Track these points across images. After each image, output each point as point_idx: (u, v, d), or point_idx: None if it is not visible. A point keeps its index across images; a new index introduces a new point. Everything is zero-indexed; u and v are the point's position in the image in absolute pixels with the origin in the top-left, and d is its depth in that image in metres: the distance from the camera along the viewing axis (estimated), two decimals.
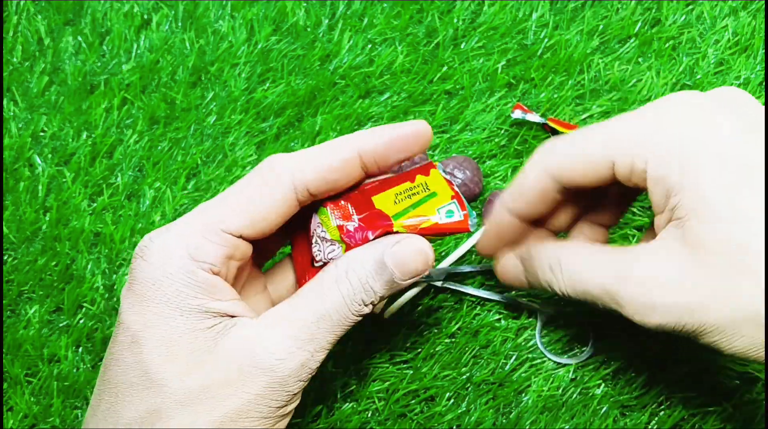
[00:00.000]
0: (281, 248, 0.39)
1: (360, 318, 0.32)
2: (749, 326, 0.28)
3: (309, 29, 0.53)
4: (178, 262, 0.30)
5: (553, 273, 0.35)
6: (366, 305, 0.31)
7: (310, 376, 0.31)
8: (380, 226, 0.32)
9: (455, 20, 0.53)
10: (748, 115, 0.31)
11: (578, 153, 0.33)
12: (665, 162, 0.30)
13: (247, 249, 0.32)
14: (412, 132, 0.32)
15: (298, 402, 0.32)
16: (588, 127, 0.34)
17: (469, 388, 0.44)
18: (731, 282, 0.28)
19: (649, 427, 0.44)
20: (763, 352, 0.29)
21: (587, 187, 0.34)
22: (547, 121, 0.48)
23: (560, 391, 0.44)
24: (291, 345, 0.30)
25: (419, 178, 0.34)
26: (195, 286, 0.30)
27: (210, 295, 0.30)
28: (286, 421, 0.32)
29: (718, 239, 0.28)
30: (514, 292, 0.46)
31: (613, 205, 0.39)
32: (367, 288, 0.31)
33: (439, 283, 0.45)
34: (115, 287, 0.46)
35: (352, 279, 0.31)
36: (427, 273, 0.32)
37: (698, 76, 0.51)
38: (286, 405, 0.31)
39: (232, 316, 0.31)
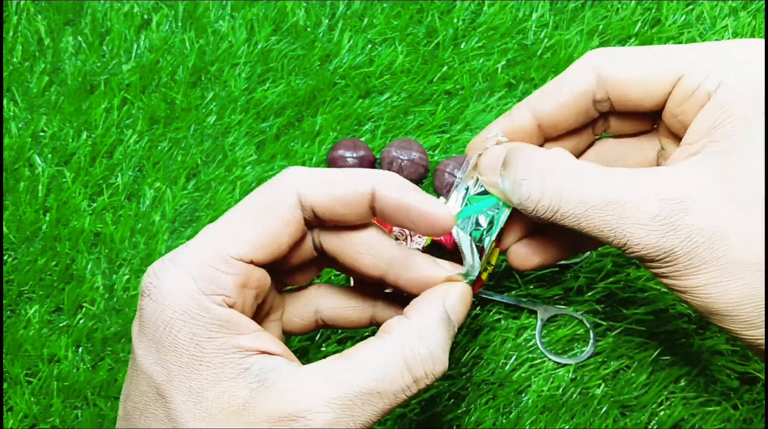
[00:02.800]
0: (312, 278, 0.34)
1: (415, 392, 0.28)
2: (753, 278, 0.27)
3: (309, 29, 0.53)
4: (188, 300, 0.27)
5: (530, 170, 0.30)
6: (436, 378, 0.28)
7: None
8: None
9: (455, 20, 0.53)
10: None
11: (643, 62, 0.30)
12: (742, 95, 0.28)
13: (262, 276, 0.29)
14: (429, 215, 0.29)
15: None
16: (649, 46, 0.31)
17: (469, 388, 0.44)
18: (756, 228, 0.27)
19: (649, 427, 0.44)
20: (755, 331, 0.28)
21: (631, 108, 0.31)
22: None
23: (560, 391, 0.44)
24: (332, 422, 0.26)
25: None
26: (210, 325, 0.27)
27: (227, 331, 0.27)
28: None
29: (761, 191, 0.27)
30: (514, 292, 0.46)
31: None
32: (438, 357, 0.28)
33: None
34: (115, 287, 0.46)
35: (423, 354, 0.27)
36: None
37: None
38: None
39: (263, 353, 0.27)
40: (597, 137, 0.36)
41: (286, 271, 0.32)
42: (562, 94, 0.32)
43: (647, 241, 0.28)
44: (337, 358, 0.27)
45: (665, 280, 0.29)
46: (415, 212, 0.28)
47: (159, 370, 0.27)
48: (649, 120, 0.34)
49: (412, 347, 0.27)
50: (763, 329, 0.28)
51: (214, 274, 0.27)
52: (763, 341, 0.28)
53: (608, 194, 0.28)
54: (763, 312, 0.27)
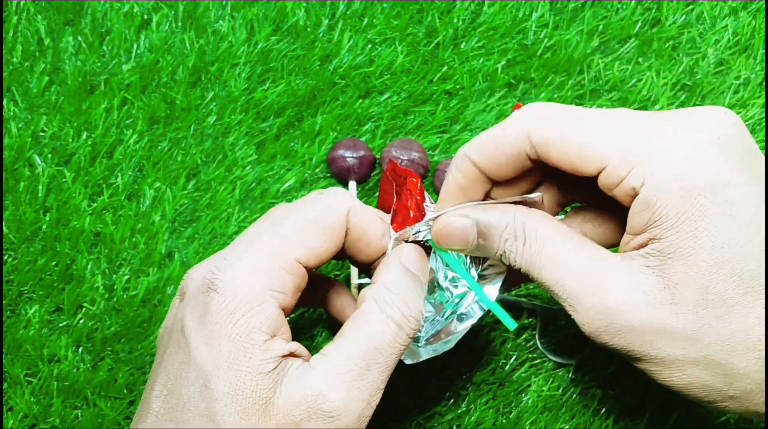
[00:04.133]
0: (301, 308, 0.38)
1: (411, 341, 0.32)
2: (696, 369, 0.29)
3: (309, 29, 0.53)
4: (256, 293, 0.29)
5: (515, 241, 0.32)
6: (417, 320, 0.31)
7: (367, 422, 0.30)
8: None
9: (455, 20, 0.53)
10: (750, 157, 0.29)
11: (571, 141, 0.30)
12: (667, 191, 0.28)
13: (307, 281, 0.32)
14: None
15: None
16: (588, 110, 0.31)
17: (469, 388, 0.44)
18: (699, 331, 0.28)
19: (649, 427, 0.44)
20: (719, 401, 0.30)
21: (561, 171, 0.32)
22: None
23: (560, 391, 0.44)
24: (345, 396, 0.29)
25: None
26: (264, 322, 0.29)
27: (273, 333, 0.29)
28: None
29: (698, 296, 0.28)
30: (514, 292, 0.46)
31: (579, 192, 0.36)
32: (410, 300, 0.31)
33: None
34: (115, 287, 0.46)
35: (396, 292, 0.31)
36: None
37: (698, 76, 0.51)
38: None
39: (291, 355, 0.30)
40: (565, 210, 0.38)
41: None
42: (496, 152, 0.32)
43: (587, 330, 0.30)
44: (335, 340, 0.30)
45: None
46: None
47: (211, 361, 0.28)
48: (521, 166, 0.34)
49: (383, 297, 0.31)
50: (718, 405, 0.30)
51: (281, 274, 0.30)
52: (723, 410, 0.31)
53: (562, 280, 0.31)
54: (713, 394, 0.29)
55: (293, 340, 0.31)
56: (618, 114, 0.30)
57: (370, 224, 0.33)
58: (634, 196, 0.29)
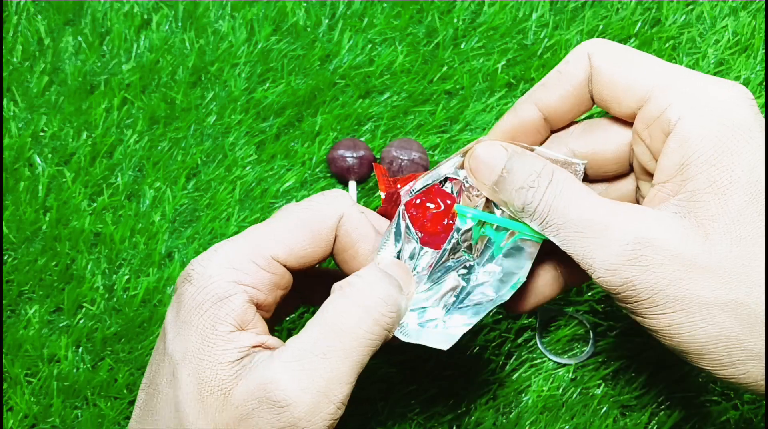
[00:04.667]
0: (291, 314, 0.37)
1: (385, 333, 0.30)
2: (717, 316, 0.28)
3: (309, 29, 0.53)
4: (223, 286, 0.29)
5: (539, 178, 0.30)
6: (396, 311, 0.30)
7: (331, 421, 0.28)
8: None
9: (455, 20, 0.53)
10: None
11: (625, 68, 0.31)
12: (705, 126, 0.28)
13: (290, 280, 0.32)
14: None
15: None
16: (642, 53, 0.31)
17: (469, 388, 0.44)
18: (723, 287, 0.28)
19: (649, 427, 0.44)
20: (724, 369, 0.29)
21: (605, 108, 0.32)
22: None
23: (560, 391, 0.44)
24: (297, 385, 0.27)
25: None
26: (232, 314, 0.29)
27: (239, 326, 0.29)
28: None
29: (732, 233, 0.27)
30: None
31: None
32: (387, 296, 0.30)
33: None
34: (115, 287, 0.46)
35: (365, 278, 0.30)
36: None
37: None
38: None
39: (260, 346, 0.30)
40: None
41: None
42: (563, 85, 0.32)
43: (609, 267, 0.28)
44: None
45: (636, 318, 0.30)
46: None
47: (179, 351, 0.29)
48: (624, 164, 0.34)
49: (349, 283, 0.30)
50: (736, 369, 0.28)
51: (254, 270, 0.30)
52: (737, 380, 0.29)
53: (586, 214, 0.29)
54: (735, 351, 0.28)
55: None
56: (667, 64, 0.31)
57: (361, 237, 0.32)
58: (669, 133, 0.29)
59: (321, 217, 0.31)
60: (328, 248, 0.32)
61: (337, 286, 0.30)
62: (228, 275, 0.29)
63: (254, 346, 0.29)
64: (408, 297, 0.32)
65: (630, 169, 0.34)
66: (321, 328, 0.29)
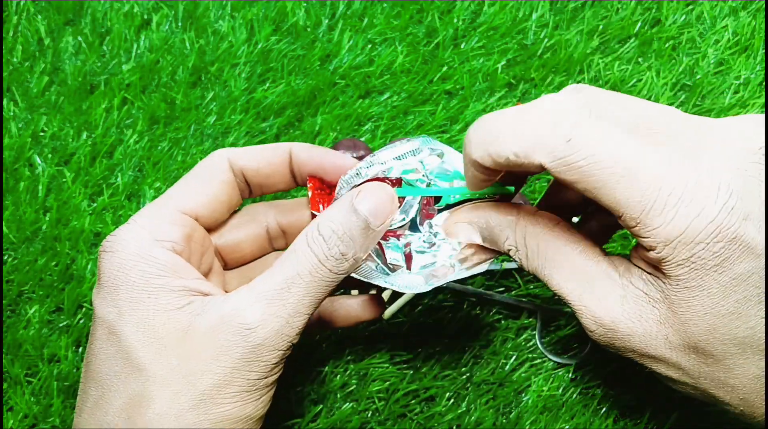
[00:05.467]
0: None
1: (340, 276, 0.31)
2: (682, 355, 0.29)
3: (309, 29, 0.53)
4: (141, 244, 0.31)
5: (518, 252, 0.32)
6: (346, 260, 0.31)
7: (290, 344, 0.31)
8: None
9: (455, 20, 0.53)
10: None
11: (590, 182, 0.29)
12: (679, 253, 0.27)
13: (206, 236, 0.35)
14: (337, 165, 0.35)
15: (280, 373, 0.32)
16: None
17: (469, 388, 0.44)
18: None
19: (649, 427, 0.44)
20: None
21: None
22: None
23: (560, 391, 0.44)
24: (263, 312, 0.30)
25: None
26: (158, 265, 0.31)
27: (173, 273, 0.31)
28: (270, 394, 0.32)
29: (689, 345, 0.29)
30: (514, 292, 0.46)
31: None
32: (345, 238, 0.31)
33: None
34: None
35: (325, 233, 0.31)
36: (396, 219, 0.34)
37: (698, 76, 0.51)
38: (266, 376, 0.31)
39: (205, 295, 0.31)
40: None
41: (234, 247, 0.37)
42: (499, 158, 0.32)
43: (595, 338, 0.31)
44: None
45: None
46: (326, 162, 0.35)
47: (111, 311, 0.30)
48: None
49: (314, 232, 0.31)
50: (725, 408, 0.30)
51: (163, 225, 0.32)
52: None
53: (566, 288, 0.31)
54: (712, 399, 0.30)
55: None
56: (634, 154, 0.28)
57: (256, 156, 0.35)
58: (651, 247, 0.28)
59: (210, 163, 0.34)
60: (232, 191, 0.35)
61: (303, 230, 0.32)
62: (143, 235, 0.31)
63: (197, 292, 0.31)
64: (370, 238, 0.33)
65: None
66: (286, 268, 0.31)
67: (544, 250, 0.31)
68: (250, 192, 0.36)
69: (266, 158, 0.35)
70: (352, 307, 0.37)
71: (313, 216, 0.35)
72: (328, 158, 0.35)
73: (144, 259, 0.31)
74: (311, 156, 0.35)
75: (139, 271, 0.31)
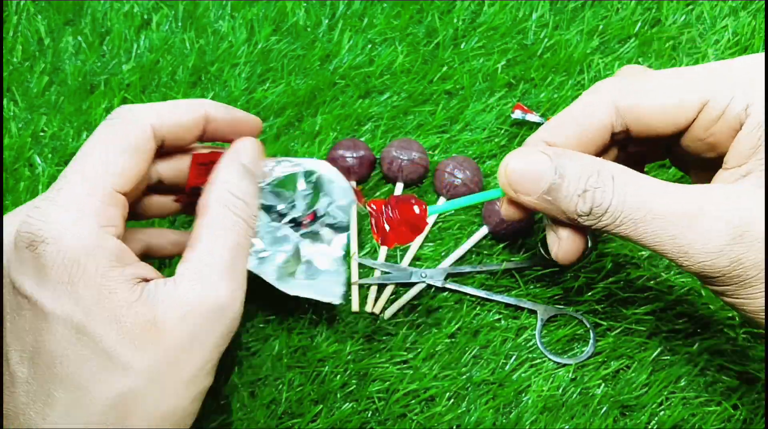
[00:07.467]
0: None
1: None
2: None
3: (309, 29, 0.53)
4: (90, 235, 0.29)
5: (601, 180, 0.29)
6: (257, 214, 0.34)
7: (243, 303, 0.32)
8: None
9: (455, 20, 0.53)
10: None
11: (663, 91, 0.30)
12: None
13: (126, 207, 0.33)
14: (251, 122, 0.37)
15: None
16: (664, 71, 0.31)
17: (469, 388, 0.44)
18: None
19: (649, 427, 0.43)
20: None
21: (652, 136, 0.31)
22: (547, 121, 0.48)
23: (560, 391, 0.44)
24: (228, 287, 0.31)
25: None
26: (110, 255, 0.29)
27: (120, 261, 0.30)
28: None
29: None
30: (514, 292, 0.46)
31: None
32: (255, 195, 0.34)
33: (439, 283, 0.45)
34: None
35: (240, 195, 0.33)
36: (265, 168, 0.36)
37: None
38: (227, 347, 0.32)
39: (147, 280, 0.30)
40: None
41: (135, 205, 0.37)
42: (581, 127, 0.32)
43: (712, 249, 0.28)
44: (193, 247, 0.32)
45: (733, 301, 0.30)
46: (239, 122, 0.36)
47: (75, 309, 0.28)
48: (663, 144, 0.34)
49: (233, 202, 0.33)
50: None
51: (106, 209, 0.30)
52: None
53: (675, 204, 0.29)
54: None
55: None
56: (691, 69, 0.31)
57: (177, 122, 0.34)
58: (736, 125, 0.29)
59: (136, 130, 0.32)
60: (150, 158, 0.33)
61: (215, 200, 0.33)
62: (89, 222, 0.29)
63: (141, 278, 0.30)
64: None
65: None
66: (228, 242, 0.32)
67: (635, 175, 0.30)
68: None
69: (186, 123, 0.34)
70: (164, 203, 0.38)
71: (191, 190, 0.36)
72: (238, 115, 0.36)
73: (96, 250, 0.29)
74: (224, 116, 0.35)
75: (94, 264, 0.29)
